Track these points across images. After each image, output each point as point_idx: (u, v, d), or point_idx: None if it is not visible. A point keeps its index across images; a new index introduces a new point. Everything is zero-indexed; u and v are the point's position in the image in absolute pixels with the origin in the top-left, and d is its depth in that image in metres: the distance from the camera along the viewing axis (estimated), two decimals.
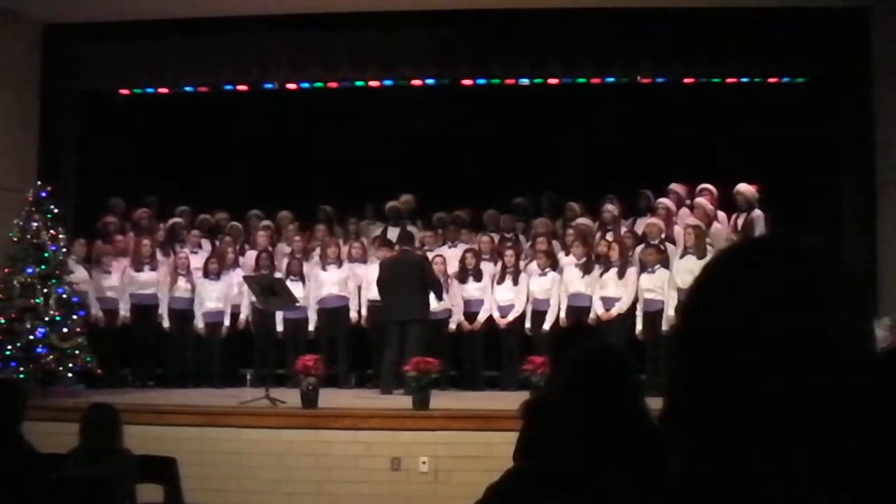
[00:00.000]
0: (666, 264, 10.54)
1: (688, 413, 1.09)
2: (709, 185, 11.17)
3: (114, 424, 5.69)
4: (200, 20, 11.56)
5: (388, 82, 12.37)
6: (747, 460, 1.03)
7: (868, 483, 1.07)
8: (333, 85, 12.54)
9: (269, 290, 9.94)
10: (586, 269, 10.80)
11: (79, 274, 10.82)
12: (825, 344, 1.03)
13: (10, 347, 9.68)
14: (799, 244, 1.10)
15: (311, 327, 11.41)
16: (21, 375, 9.33)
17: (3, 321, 9.82)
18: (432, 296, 10.58)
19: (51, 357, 9.73)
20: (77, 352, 9.95)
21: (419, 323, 10.39)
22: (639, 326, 10.44)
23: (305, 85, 12.55)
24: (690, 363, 1.09)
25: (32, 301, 9.88)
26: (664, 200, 11.40)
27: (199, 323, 11.47)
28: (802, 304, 1.05)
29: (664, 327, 10.14)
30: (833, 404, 1.03)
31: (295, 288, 10.69)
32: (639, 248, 10.87)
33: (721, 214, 11.04)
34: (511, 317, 11.05)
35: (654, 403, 1.72)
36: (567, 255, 11.25)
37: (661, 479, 1.14)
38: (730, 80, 11.93)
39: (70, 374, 9.87)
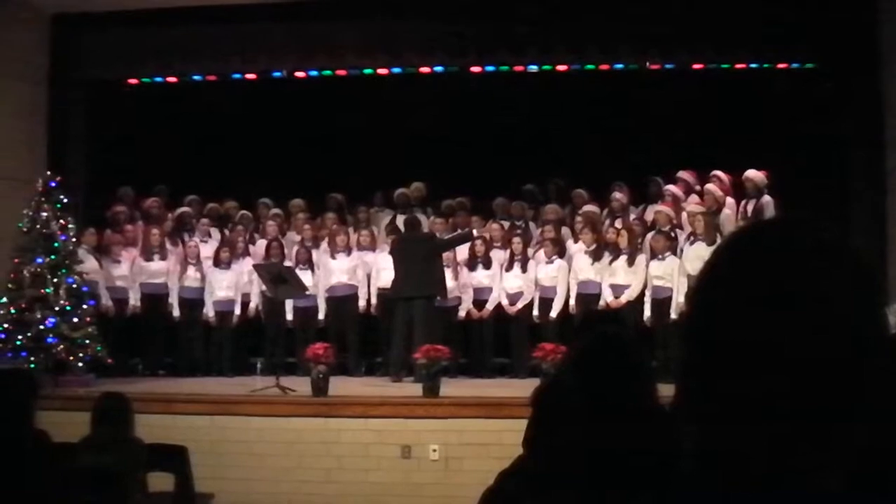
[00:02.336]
0: (675, 251, 10.52)
1: (698, 402, 1.08)
2: (719, 172, 11.11)
3: (125, 414, 5.70)
4: (207, 8, 11.56)
5: (396, 70, 12.36)
6: (757, 451, 1.02)
7: (877, 474, 1.06)
8: (342, 73, 12.52)
9: (278, 278, 9.95)
10: (596, 256, 10.78)
11: (89, 264, 10.83)
12: (835, 331, 1.02)
13: (20, 337, 9.70)
14: (807, 228, 1.09)
15: (320, 316, 11.42)
16: (32, 365, 9.35)
17: (13, 311, 9.84)
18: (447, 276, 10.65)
19: (61, 347, 9.74)
20: (87, 341, 9.97)
21: (426, 300, 10.38)
22: (647, 313, 10.43)
23: (314, 73, 12.53)
24: (699, 351, 1.08)
25: (42, 291, 9.89)
26: (671, 188, 11.37)
27: (210, 312, 11.49)
28: (811, 291, 1.03)
29: (673, 315, 10.13)
30: (842, 394, 1.02)
31: (304, 276, 10.70)
32: (649, 236, 10.85)
33: (730, 200, 10.96)
34: (520, 304, 11.05)
35: (665, 390, 1.71)
36: (576, 242, 11.23)
37: (671, 468, 1.14)
38: (739, 66, 11.86)
39: (80, 364, 9.88)
